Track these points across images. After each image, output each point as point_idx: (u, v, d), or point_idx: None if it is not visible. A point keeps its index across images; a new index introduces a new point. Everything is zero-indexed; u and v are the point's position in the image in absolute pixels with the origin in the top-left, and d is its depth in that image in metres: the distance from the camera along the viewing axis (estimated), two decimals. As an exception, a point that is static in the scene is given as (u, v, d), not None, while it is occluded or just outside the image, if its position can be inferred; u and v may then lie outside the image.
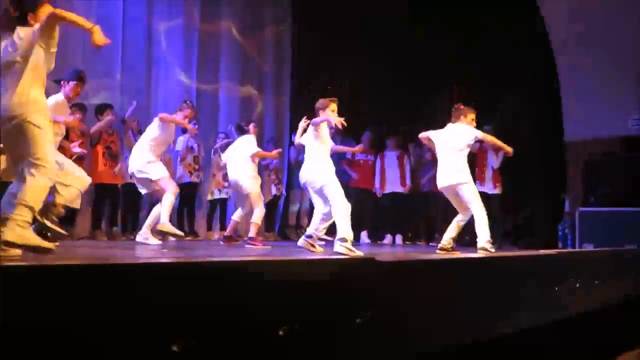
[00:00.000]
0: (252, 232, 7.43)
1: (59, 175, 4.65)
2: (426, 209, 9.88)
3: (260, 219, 7.54)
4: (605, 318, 6.77)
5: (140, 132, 7.85)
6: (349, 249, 5.34)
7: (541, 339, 5.69)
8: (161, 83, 9.77)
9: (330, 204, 5.71)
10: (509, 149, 6.74)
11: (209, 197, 9.49)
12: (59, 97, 5.79)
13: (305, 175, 5.97)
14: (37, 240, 3.71)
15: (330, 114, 5.97)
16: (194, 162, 9.08)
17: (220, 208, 9.58)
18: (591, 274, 6.54)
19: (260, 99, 11.22)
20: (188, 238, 8.62)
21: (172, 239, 6.92)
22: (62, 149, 6.18)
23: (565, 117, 11.01)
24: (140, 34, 9.52)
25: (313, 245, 5.93)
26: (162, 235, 6.91)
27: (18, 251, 3.63)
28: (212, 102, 10.53)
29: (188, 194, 9.16)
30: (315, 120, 5.93)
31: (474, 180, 9.21)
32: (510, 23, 10.55)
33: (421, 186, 9.93)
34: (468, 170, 6.57)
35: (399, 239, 9.90)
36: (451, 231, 6.53)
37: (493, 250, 6.31)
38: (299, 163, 10.03)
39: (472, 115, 6.63)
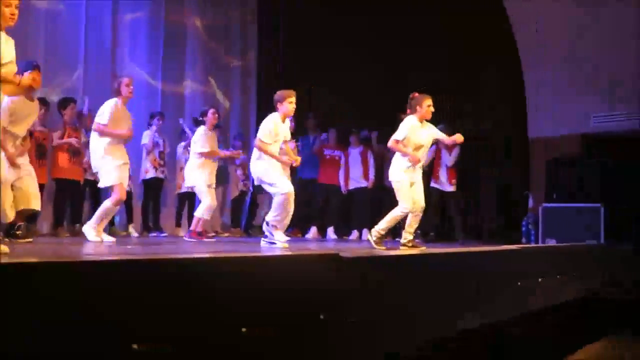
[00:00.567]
0: (193, 225, 7.44)
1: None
2: (392, 204, 9.90)
3: (203, 212, 7.46)
4: (567, 312, 6.87)
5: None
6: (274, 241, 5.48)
7: (504, 333, 5.76)
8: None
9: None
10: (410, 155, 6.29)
11: (177, 191, 9.42)
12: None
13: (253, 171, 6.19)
14: None
15: (288, 107, 6.00)
16: (159, 158, 9.00)
17: (189, 203, 9.49)
18: (554, 269, 6.63)
19: (226, 95, 11.18)
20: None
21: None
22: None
23: (529, 114, 11.14)
24: (104, 30, 9.40)
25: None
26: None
27: None
28: (178, 98, 10.45)
29: (153, 189, 9.09)
30: None
31: (430, 178, 9.42)
32: (475, 20, 10.63)
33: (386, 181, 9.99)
34: (398, 166, 6.24)
35: (365, 234, 9.92)
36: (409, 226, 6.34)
37: (373, 240, 6.16)
38: None
39: (427, 102, 6.24)
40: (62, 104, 8.06)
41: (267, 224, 6.01)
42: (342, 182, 10.04)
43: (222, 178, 9.48)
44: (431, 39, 10.72)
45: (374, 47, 10.99)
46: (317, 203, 10.13)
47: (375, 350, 3.88)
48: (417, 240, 6.53)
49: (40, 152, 7.69)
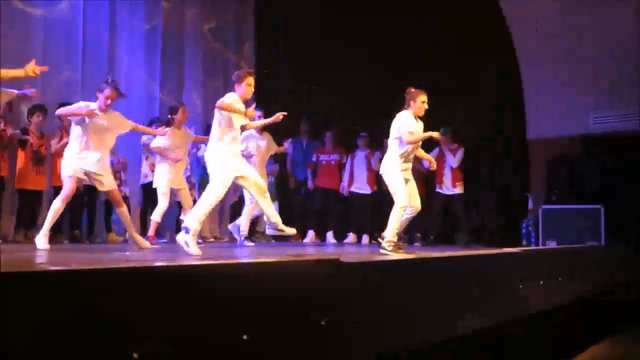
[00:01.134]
0: (150, 230, 7.57)
1: None
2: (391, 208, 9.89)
3: (156, 215, 7.54)
4: (568, 314, 6.85)
5: None
6: (189, 243, 5.15)
7: (505, 336, 5.74)
8: (123, 88, 9.64)
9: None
10: (434, 135, 6.14)
11: (176, 198, 9.38)
12: None
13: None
14: None
15: (246, 89, 5.60)
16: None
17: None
18: (554, 271, 6.61)
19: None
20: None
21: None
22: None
23: (528, 114, 11.13)
24: (101, 34, 9.39)
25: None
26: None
27: None
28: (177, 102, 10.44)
29: (152, 194, 9.05)
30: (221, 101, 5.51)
31: (435, 182, 9.39)
32: (474, 21, 10.62)
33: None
34: (392, 160, 6.07)
35: (365, 238, 9.91)
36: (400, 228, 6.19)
37: (389, 250, 5.86)
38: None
39: (422, 98, 6.11)
40: (30, 111, 7.93)
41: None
42: (345, 184, 10.00)
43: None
44: (430, 40, 10.70)
45: (373, 47, 10.97)
46: (314, 207, 10.10)
47: (374, 351, 3.86)
48: (416, 244, 6.48)
49: (38, 158, 7.67)
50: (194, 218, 5.28)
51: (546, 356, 6.04)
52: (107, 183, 6.40)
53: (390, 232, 5.91)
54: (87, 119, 6.21)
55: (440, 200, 9.36)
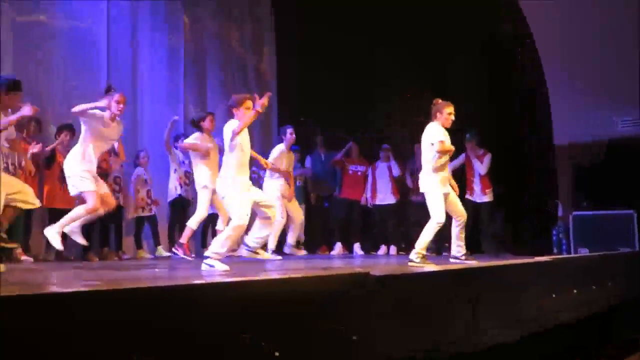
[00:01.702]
0: (182, 237, 7.52)
1: None
2: (419, 218, 9.81)
3: (194, 223, 7.54)
4: (602, 323, 6.74)
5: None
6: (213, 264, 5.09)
7: (540, 346, 5.66)
8: (146, 108, 9.75)
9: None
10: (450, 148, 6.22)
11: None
12: None
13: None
14: None
15: (245, 113, 5.48)
16: (184, 176, 9.01)
17: (213, 224, 9.46)
18: (588, 279, 6.51)
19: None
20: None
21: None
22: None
23: (554, 120, 11.01)
24: (125, 55, 9.50)
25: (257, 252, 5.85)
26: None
27: None
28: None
29: (179, 208, 9.09)
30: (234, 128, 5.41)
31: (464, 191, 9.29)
32: (495, 26, 10.57)
33: (414, 194, 9.92)
34: (431, 177, 6.12)
35: (393, 249, 9.86)
36: (456, 239, 6.30)
37: (418, 262, 5.90)
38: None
39: (448, 109, 6.17)
40: (58, 130, 7.93)
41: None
42: (368, 196, 9.97)
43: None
44: (453, 46, 10.66)
45: (393, 55, 10.94)
46: (338, 218, 10.04)
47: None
48: (445, 254, 6.45)
49: (64, 177, 7.69)
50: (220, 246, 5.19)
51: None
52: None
53: (421, 244, 5.97)
54: (98, 124, 6.20)
55: (469, 208, 9.23)
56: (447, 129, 6.24)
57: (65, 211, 7.65)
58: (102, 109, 6.20)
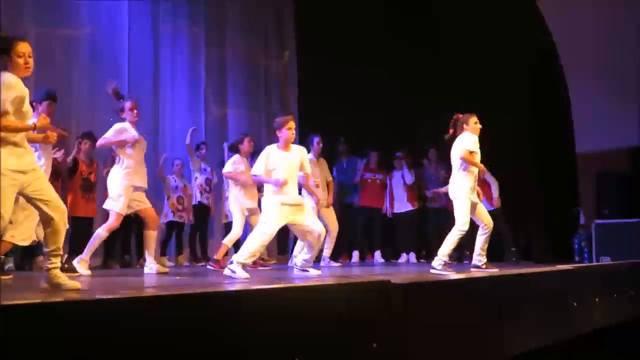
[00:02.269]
0: (218, 254, 7.50)
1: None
2: (438, 226, 9.78)
3: (229, 240, 7.51)
4: (626, 332, 6.67)
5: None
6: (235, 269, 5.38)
7: (562, 356, 5.61)
8: (168, 114, 9.84)
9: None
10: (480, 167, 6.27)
11: (223, 221, 9.45)
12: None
13: None
14: None
15: (287, 133, 5.89)
16: (205, 184, 9.07)
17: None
18: (610, 288, 6.45)
19: (267, 110, 11.28)
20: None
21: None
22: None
23: (576, 128, 10.94)
24: (146, 63, 9.59)
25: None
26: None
27: None
28: (221, 127, 10.58)
29: (200, 217, 9.14)
30: None
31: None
32: (516, 36, 10.53)
33: (435, 202, 9.89)
34: (461, 184, 6.17)
35: (412, 257, 9.83)
36: (479, 248, 6.30)
37: (440, 270, 5.91)
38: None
39: (473, 119, 6.27)
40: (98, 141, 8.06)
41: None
42: (387, 205, 9.96)
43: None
44: (473, 55, 10.65)
45: (414, 65, 10.94)
46: (359, 226, 10.03)
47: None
48: (466, 262, 6.42)
49: (87, 186, 7.75)
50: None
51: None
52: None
53: (444, 252, 6.00)
54: (127, 146, 6.40)
55: None
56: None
57: (88, 220, 7.76)
58: (122, 136, 6.32)
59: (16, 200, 4.03)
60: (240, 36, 10.96)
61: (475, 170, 6.17)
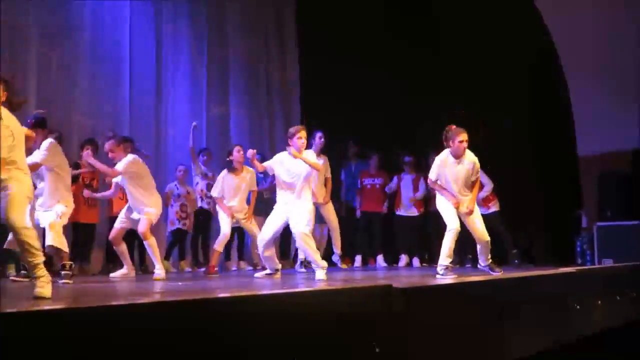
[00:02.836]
0: (211, 259, 7.61)
1: None
2: (437, 231, 9.78)
3: (219, 245, 7.57)
4: (628, 334, 6.66)
5: None
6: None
7: (563, 358, 5.60)
8: (170, 114, 9.85)
9: None
10: (454, 202, 6.34)
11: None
12: None
13: None
14: None
15: (297, 142, 6.22)
16: (206, 189, 9.08)
17: (238, 236, 9.50)
18: (612, 290, 6.44)
19: (269, 116, 11.31)
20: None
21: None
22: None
23: (577, 130, 10.92)
24: (147, 63, 9.60)
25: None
26: None
27: None
28: (223, 128, 10.59)
29: (202, 222, 9.14)
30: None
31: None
32: (517, 38, 10.53)
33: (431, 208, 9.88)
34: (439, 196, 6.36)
35: (416, 261, 9.81)
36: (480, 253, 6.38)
37: (442, 274, 5.97)
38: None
39: (460, 137, 6.15)
40: (82, 145, 8.07)
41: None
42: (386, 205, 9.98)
43: (267, 211, 9.50)
44: (473, 55, 10.65)
45: (417, 68, 10.94)
46: (360, 230, 10.02)
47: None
48: (468, 265, 6.43)
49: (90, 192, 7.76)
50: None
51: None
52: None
53: (443, 255, 6.08)
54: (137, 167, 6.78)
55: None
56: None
57: (89, 226, 7.77)
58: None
59: None
60: (241, 36, 10.96)
61: (447, 185, 6.26)
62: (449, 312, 4.16)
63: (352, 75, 10.76)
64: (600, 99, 10.53)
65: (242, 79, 10.95)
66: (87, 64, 8.79)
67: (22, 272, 6.10)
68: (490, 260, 6.31)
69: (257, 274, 6.83)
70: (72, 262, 5.95)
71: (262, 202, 8.79)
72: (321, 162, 8.49)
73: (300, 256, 8.25)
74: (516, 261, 8.95)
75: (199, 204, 9.05)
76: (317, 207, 8.15)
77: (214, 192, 7.79)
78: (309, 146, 8.62)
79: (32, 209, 5.78)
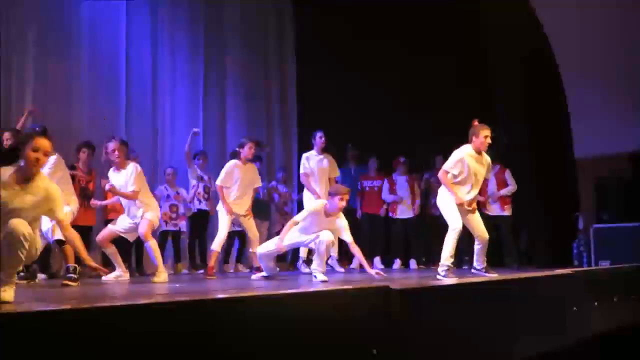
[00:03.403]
0: (209, 260, 7.54)
1: None
2: (439, 232, 9.76)
3: (217, 245, 7.50)
4: (625, 336, 6.66)
5: None
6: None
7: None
8: (167, 117, 9.85)
9: None
10: (464, 203, 6.28)
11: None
12: None
13: None
14: None
15: (338, 203, 6.37)
16: (204, 191, 9.07)
17: (239, 239, 9.50)
18: (610, 292, 6.44)
19: (267, 124, 11.31)
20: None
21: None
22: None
23: (575, 133, 10.93)
24: (144, 65, 9.61)
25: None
26: None
27: None
28: (220, 130, 10.60)
29: (200, 223, 9.13)
30: None
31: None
32: (513, 40, 10.55)
33: (432, 209, 9.88)
34: (442, 192, 6.28)
35: (413, 263, 9.81)
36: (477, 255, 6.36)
37: (443, 275, 5.97)
38: None
39: (484, 132, 6.13)
40: (77, 147, 8.04)
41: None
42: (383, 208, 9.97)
43: (264, 214, 9.51)
44: (469, 58, 10.66)
45: (415, 69, 10.94)
46: (360, 232, 10.02)
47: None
48: (465, 267, 6.40)
49: (85, 194, 7.75)
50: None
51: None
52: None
53: (445, 256, 6.04)
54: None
55: (489, 223, 9.11)
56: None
57: (86, 228, 7.76)
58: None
59: None
60: (239, 37, 10.99)
61: (466, 179, 6.17)
62: (446, 314, 4.15)
63: (350, 80, 10.79)
64: (598, 102, 10.54)
65: (239, 81, 10.96)
66: (83, 67, 8.79)
67: (21, 274, 6.08)
68: (485, 263, 6.29)
69: (253, 276, 6.83)
70: (77, 266, 5.92)
71: (258, 204, 8.79)
72: (326, 162, 8.53)
73: (302, 255, 8.27)
74: (515, 264, 8.95)
75: (197, 206, 9.04)
76: None
77: (219, 181, 7.59)
78: (310, 147, 8.69)
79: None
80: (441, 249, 6.10)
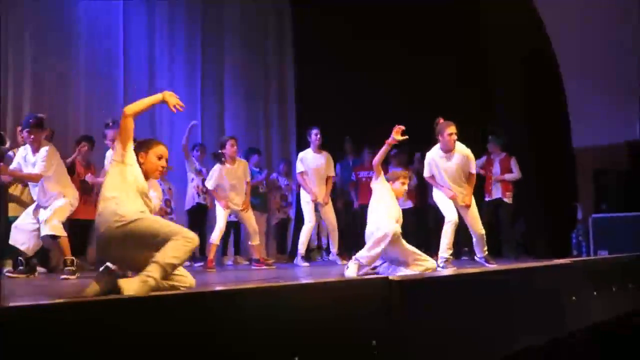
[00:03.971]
0: (208, 253, 7.62)
1: None
2: (437, 223, 9.78)
3: (215, 238, 7.63)
4: (624, 325, 6.68)
5: None
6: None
7: (560, 351, 5.61)
8: (165, 113, 9.85)
9: None
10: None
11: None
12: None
13: None
14: None
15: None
16: (202, 185, 9.08)
17: (235, 231, 9.50)
18: (609, 281, 6.46)
19: (265, 120, 11.29)
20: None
21: None
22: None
23: (573, 123, 10.93)
24: (141, 65, 9.59)
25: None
26: None
27: None
28: (218, 126, 10.58)
29: (198, 217, 9.14)
30: None
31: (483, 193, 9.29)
32: (514, 40, 10.53)
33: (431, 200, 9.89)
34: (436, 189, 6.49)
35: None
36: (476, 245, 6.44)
37: (442, 266, 6.06)
38: None
39: (449, 130, 6.29)
40: (77, 141, 8.05)
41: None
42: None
43: (262, 206, 9.51)
44: (467, 50, 10.65)
45: (410, 64, 10.93)
46: (357, 226, 10.03)
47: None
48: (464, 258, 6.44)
49: (85, 188, 7.75)
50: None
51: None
52: None
53: (443, 248, 6.10)
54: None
55: (489, 209, 9.12)
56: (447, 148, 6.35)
57: (86, 222, 7.76)
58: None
59: None
60: (238, 37, 10.98)
61: (442, 179, 6.41)
62: (446, 305, 4.16)
63: (350, 80, 10.81)
64: (597, 92, 10.54)
65: (238, 82, 10.96)
66: (81, 66, 8.78)
67: (20, 268, 6.10)
68: (487, 252, 6.35)
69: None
70: (74, 258, 5.94)
71: (258, 196, 8.79)
72: (322, 160, 8.52)
73: (300, 250, 8.27)
74: (513, 254, 8.98)
75: (196, 200, 9.05)
76: (317, 207, 8.19)
77: (208, 184, 7.78)
78: (306, 145, 8.69)
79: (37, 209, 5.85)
80: (439, 241, 6.17)
